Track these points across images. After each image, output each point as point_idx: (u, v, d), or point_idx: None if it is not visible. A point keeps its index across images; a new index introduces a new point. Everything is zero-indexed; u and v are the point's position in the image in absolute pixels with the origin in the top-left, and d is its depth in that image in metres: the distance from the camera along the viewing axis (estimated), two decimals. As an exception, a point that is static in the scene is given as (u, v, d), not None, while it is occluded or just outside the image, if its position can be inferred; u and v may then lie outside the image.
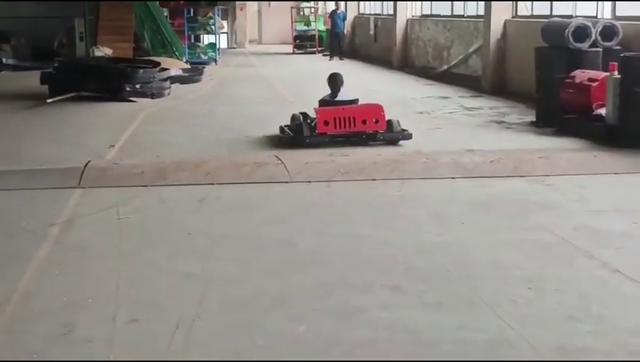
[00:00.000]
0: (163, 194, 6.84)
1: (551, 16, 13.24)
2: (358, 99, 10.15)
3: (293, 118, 9.67)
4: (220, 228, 5.75)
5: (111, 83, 14.14)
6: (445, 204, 6.39)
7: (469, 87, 15.59)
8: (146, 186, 7.11)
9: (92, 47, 22.32)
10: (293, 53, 31.37)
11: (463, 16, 17.70)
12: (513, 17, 14.59)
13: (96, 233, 5.63)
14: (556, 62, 10.34)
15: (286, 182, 7.27)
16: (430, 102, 13.67)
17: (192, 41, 26.51)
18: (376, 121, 9.37)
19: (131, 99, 13.95)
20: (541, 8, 14.07)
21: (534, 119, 10.74)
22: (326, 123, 9.22)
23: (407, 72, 20.31)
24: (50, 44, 23.83)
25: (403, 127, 9.63)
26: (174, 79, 16.56)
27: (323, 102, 9.93)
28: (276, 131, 9.90)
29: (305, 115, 9.66)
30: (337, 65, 21.46)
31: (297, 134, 9.24)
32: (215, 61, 25.10)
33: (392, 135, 9.38)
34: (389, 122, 9.47)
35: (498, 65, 14.64)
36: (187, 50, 24.91)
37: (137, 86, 14.24)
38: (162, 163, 7.97)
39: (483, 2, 15.23)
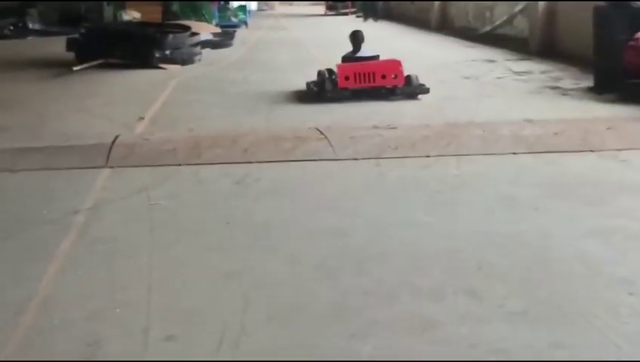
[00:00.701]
0: (198, 174, 6.23)
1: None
2: (379, 55, 10.41)
3: (319, 74, 10.07)
4: (263, 216, 5.13)
5: (139, 49, 13.55)
6: (512, 186, 5.71)
7: (515, 49, 14.78)
8: (179, 165, 6.50)
9: (120, 10, 21.76)
10: (325, 14, 30.56)
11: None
12: (564, -27, 13.69)
13: (125, 222, 5.04)
14: (618, 22, 9.50)
15: (332, 160, 6.62)
16: (476, 65, 12.90)
17: (222, 3, 25.78)
18: (395, 76, 9.73)
19: (161, 66, 13.36)
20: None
21: (592, 84, 9.96)
22: (347, 78, 9.66)
23: (447, 33, 19.48)
24: (77, 8, 23.22)
25: (451, 94, 9.04)
26: (205, 44, 15.94)
27: (345, 59, 10.39)
28: (314, 99, 9.32)
29: (330, 70, 10.01)
30: (372, 27, 20.63)
31: (320, 89, 9.75)
32: (246, 24, 24.42)
33: (411, 89, 9.75)
34: (408, 77, 9.83)
35: (547, 25, 13.82)
36: (217, 14, 24.23)
37: (167, 52, 13.62)
38: (196, 137, 7.35)
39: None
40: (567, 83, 10.60)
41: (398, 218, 5.04)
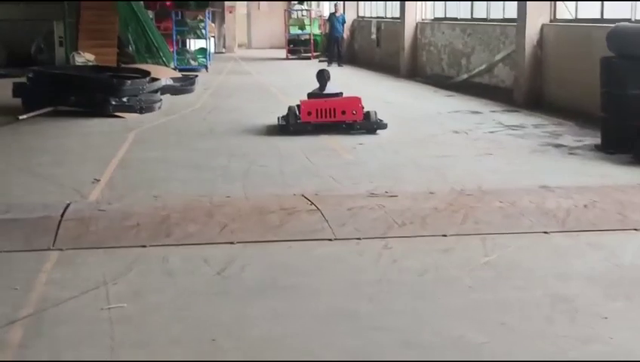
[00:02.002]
0: (168, 261, 5.04)
1: (602, 20, 11.57)
2: (342, 93, 11.26)
3: (289, 108, 10.64)
4: (259, 329, 3.97)
5: (94, 96, 12.32)
6: (560, 281, 4.64)
7: (497, 100, 13.90)
8: (144, 247, 5.30)
9: (72, 52, 20.48)
10: (287, 58, 29.61)
11: (486, 19, 15.98)
12: (552, 21, 12.88)
13: (76, 342, 3.82)
14: (630, 75, 8.61)
15: (329, 240, 5.49)
16: (460, 118, 11.94)
17: (180, 46, 24.67)
18: (355, 112, 10.38)
19: (118, 114, 12.15)
20: (586, 11, 12.39)
21: (599, 142, 9.04)
22: (309, 113, 10.36)
23: (418, 80, 18.60)
24: (27, 49, 21.92)
25: (446, 152, 8.17)
26: (165, 90, 14.76)
27: (311, 95, 11.17)
28: (301, 161, 8.29)
29: (299, 106, 10.61)
30: (337, 71, 19.69)
31: (286, 122, 10.48)
32: (206, 68, 23.30)
33: (369, 124, 10.40)
34: (367, 113, 10.49)
35: (534, 75, 12.94)
36: (175, 56, 23.11)
37: (124, 99, 12.42)
38: (162, 209, 6.17)
39: (515, 2, 13.49)
40: (569, 140, 9.67)
41: (435, 332, 3.92)
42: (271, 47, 37.11)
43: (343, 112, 10.36)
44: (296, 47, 30.34)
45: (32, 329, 3.93)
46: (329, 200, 6.44)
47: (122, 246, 5.32)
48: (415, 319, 4.07)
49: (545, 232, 5.62)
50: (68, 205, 6.28)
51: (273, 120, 11.13)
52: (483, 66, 15.21)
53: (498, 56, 14.54)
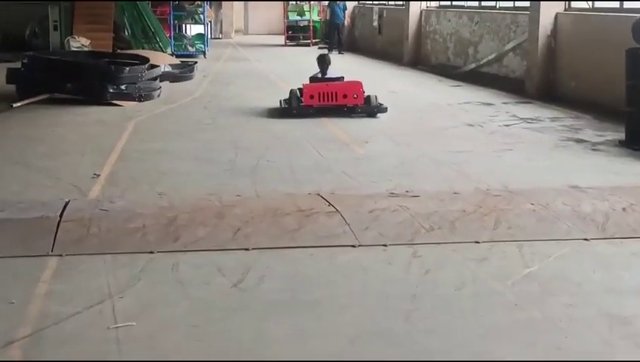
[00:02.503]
0: (178, 269, 4.60)
1: (622, 9, 11.13)
2: (343, 77, 11.44)
3: (291, 92, 10.89)
4: (282, 350, 3.54)
5: (91, 83, 11.86)
6: (613, 298, 4.22)
7: (507, 90, 13.47)
8: (152, 253, 4.86)
9: (67, 37, 19.94)
10: (286, 45, 29.11)
11: (495, 7, 15.51)
12: (566, 10, 12.44)
13: (81, 366, 3.39)
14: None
15: (353, 246, 5.06)
16: (472, 109, 11.51)
17: (177, 31, 24.13)
18: (356, 96, 10.61)
19: (115, 102, 11.67)
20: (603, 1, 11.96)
21: (622, 138, 8.63)
22: (311, 97, 10.58)
23: (422, 69, 18.16)
24: (21, 33, 21.36)
25: (464, 147, 7.93)
26: (163, 77, 14.27)
27: (312, 79, 11.40)
28: (310, 155, 7.86)
29: (301, 90, 10.86)
30: (338, 59, 19.19)
31: (289, 106, 10.70)
32: (204, 54, 22.78)
33: (370, 108, 10.64)
34: (368, 97, 10.72)
35: (547, 66, 12.50)
36: (173, 42, 22.59)
37: (122, 87, 11.94)
38: (169, 209, 5.72)
39: (527, -8, 13.05)
40: (590, 134, 9.24)
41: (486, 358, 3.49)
42: (268, 33, 36.58)
43: (345, 96, 10.61)
44: (295, 34, 29.84)
45: (32, 352, 3.49)
46: (348, 201, 6.00)
47: (127, 252, 4.87)
48: (460, 341, 3.64)
49: (585, 239, 5.19)
50: (67, 203, 5.82)
51: (275, 108, 10.69)
52: (492, 56, 14.75)
53: (508, 46, 14.09)
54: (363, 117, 10.49)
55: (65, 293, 4.20)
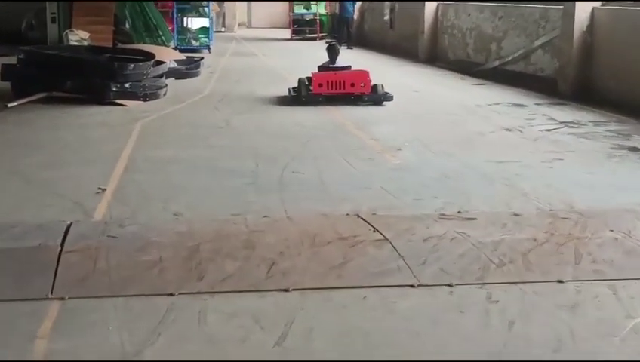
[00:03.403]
0: (206, 320, 3.75)
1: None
2: (350, 66, 11.82)
3: (299, 81, 11.28)
4: None
5: (92, 81, 10.98)
6: None
7: (535, 90, 12.63)
8: (172, 295, 4.01)
9: (66, 30, 19.06)
10: (292, 39, 28.23)
11: (522, 1, 14.62)
12: (603, 4, 11.58)
13: None
14: None
15: (412, 286, 4.21)
16: (505, 111, 10.67)
17: (180, 24, 23.23)
18: (363, 85, 11.00)
19: (119, 102, 10.82)
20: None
21: (682, 146, 7.81)
22: (320, 85, 10.96)
23: (440, 66, 17.29)
24: (16, 26, 20.49)
25: (509, 156, 7.03)
26: (169, 73, 13.42)
27: (321, 68, 11.75)
28: (340, 165, 7.02)
29: (309, 79, 11.27)
30: (348, 55, 18.32)
31: (298, 93, 11.11)
32: (208, 48, 21.92)
33: (376, 96, 11.02)
34: (374, 86, 11.10)
35: (582, 64, 11.65)
36: (176, 36, 21.72)
37: (126, 85, 11.08)
38: (189, 236, 4.87)
39: (560, -16, 12.18)
40: (642, 141, 8.43)
41: None
42: (271, 27, 35.69)
43: (352, 84, 10.98)
44: (301, 28, 28.96)
45: None
46: (395, 225, 5.15)
47: (143, 295, 4.03)
48: None
49: (691, 279, 4.36)
50: (69, 227, 4.99)
51: (293, 112, 9.87)
52: (518, 53, 13.88)
53: (538, 42, 13.21)
54: (381, 116, 9.71)
55: (68, 355, 3.35)
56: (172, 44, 21.39)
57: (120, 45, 18.19)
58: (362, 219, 5.34)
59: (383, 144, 8.20)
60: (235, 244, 4.74)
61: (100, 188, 6.14)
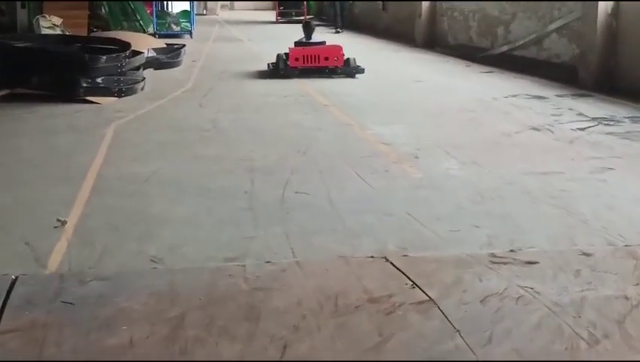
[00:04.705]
0: None
1: None
2: (325, 42, 12.84)
3: (278, 56, 12.26)
4: None
5: (61, 76, 9.71)
6: None
7: (552, 79, 11.52)
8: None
9: (37, 16, 17.71)
10: (277, 22, 26.94)
11: (533, -19, 13.43)
12: (630, -15, 10.44)
13: None
14: None
15: (481, 381, 3.06)
16: (525, 105, 9.51)
17: (160, 8, 21.91)
18: (336, 59, 11.94)
19: (90, 99, 9.58)
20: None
21: None
22: (296, 59, 11.94)
23: (440, 51, 16.11)
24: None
25: (549, 168, 5.96)
26: (147, 63, 12.17)
27: (298, 43, 12.71)
28: (351, 181, 5.80)
29: (287, 54, 12.15)
30: (339, 39, 17.12)
31: (276, 67, 12.15)
32: (190, 33, 20.62)
33: (349, 69, 11.96)
34: (347, 60, 12.03)
35: (606, 51, 10.51)
36: (155, 20, 20.41)
37: (99, 79, 9.82)
38: (169, 298, 3.68)
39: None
40: (696, 143, 7.29)
41: None
42: (255, 9, 34.41)
43: (326, 58, 11.93)
44: (287, 10, 27.66)
45: None
46: (437, 275, 3.99)
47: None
48: None
49: None
50: (12, 285, 3.80)
51: (287, 104, 8.67)
52: (531, 37, 12.71)
53: (553, 25, 12.05)
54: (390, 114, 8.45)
55: None
56: (151, 29, 20.11)
57: (94, 33, 16.90)
58: (393, 264, 4.18)
59: (396, 150, 7.02)
60: (232, 313, 3.55)
61: (59, 221, 4.92)
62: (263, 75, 12.42)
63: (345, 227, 4.89)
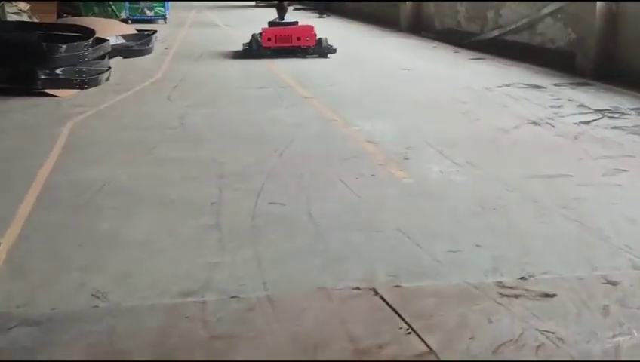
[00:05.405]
0: None
1: None
2: (297, 22, 12.86)
3: (252, 36, 12.46)
4: None
5: (16, 66, 8.92)
6: None
7: (547, 65, 10.83)
8: None
9: (2, 1, 16.82)
10: (257, 6, 26.11)
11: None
12: (631, -35, 9.74)
13: None
14: None
15: None
16: (521, 96, 8.82)
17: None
18: (308, 39, 12.06)
19: (49, 92, 8.80)
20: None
21: None
22: (269, 39, 12.11)
23: (427, 36, 15.40)
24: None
25: (555, 170, 5.16)
26: (115, 51, 11.38)
27: (271, 24, 12.66)
28: (334, 188, 5.07)
29: (261, 34, 12.27)
30: (322, 24, 16.38)
31: (249, 48, 12.40)
32: (164, 18, 19.78)
33: (321, 49, 12.12)
34: (319, 40, 12.17)
35: (606, 36, 9.82)
36: (128, 5, 19.56)
37: (58, 70, 9.03)
38: (108, 351, 2.97)
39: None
40: None
41: None
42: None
43: (298, 38, 12.08)
44: (267, -7, 26.82)
45: None
46: (437, 315, 3.30)
47: None
48: None
49: None
50: None
51: (266, 95, 7.93)
52: (523, 21, 12.00)
53: (546, 9, 11.35)
54: (377, 104, 7.74)
55: None
56: (124, 13, 19.26)
57: (63, 18, 16.06)
58: (383, 299, 3.49)
59: (384, 149, 6.31)
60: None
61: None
62: (240, 63, 11.79)
63: (326, 248, 4.17)
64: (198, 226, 4.51)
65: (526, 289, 3.58)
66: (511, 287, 3.61)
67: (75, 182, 5.41)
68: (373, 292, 3.57)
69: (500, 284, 3.65)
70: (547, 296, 3.52)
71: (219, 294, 3.57)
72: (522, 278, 3.72)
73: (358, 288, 3.63)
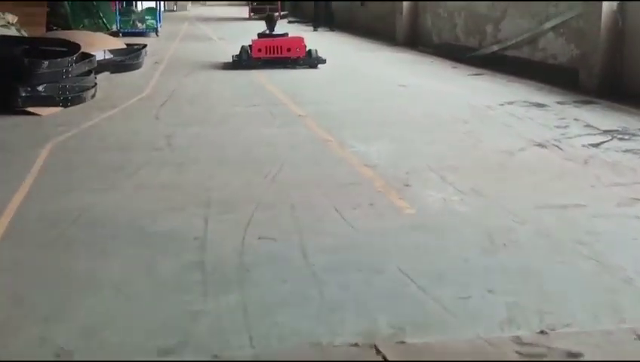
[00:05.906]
0: None
1: None
2: (287, 33, 13.00)
3: (242, 48, 12.52)
4: None
5: (-4, 83, 8.51)
6: None
7: (548, 82, 10.46)
8: None
9: (-12, 13, 16.41)
10: (250, 18, 25.76)
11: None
12: (638, -21, 9.38)
13: None
14: None
15: None
16: (524, 115, 8.43)
17: (124, 4, 20.64)
18: (298, 50, 12.25)
19: (30, 110, 8.39)
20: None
21: None
22: (259, 50, 12.29)
23: (423, 51, 15.03)
24: None
25: (566, 200, 4.74)
26: (102, 66, 10.98)
27: (261, 35, 12.93)
28: (332, 222, 4.64)
29: (251, 46, 12.48)
30: (314, 37, 16.01)
31: (239, 59, 12.46)
32: (156, 31, 19.40)
33: (311, 60, 12.29)
34: (309, 51, 12.34)
35: (612, 52, 9.46)
36: (119, 17, 19.18)
37: (40, 88, 8.62)
38: None
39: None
40: None
41: None
42: (229, 3, 33.17)
43: (288, 49, 12.21)
44: (261, 6, 26.48)
45: None
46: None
47: None
48: None
49: None
50: None
51: (257, 114, 7.52)
52: (524, 36, 11.63)
53: (549, 24, 10.97)
54: (372, 128, 7.33)
55: None
56: (115, 27, 18.88)
57: (52, 32, 15.67)
58: (385, 360, 3.06)
59: (382, 175, 5.89)
60: None
61: (-55, 288, 3.74)
62: (231, 76, 11.57)
63: (320, 293, 3.75)
64: (180, 266, 4.09)
65: (548, 347, 3.16)
66: (530, 344, 3.20)
67: (48, 213, 4.99)
68: (374, 351, 3.15)
69: (518, 340, 3.23)
70: (572, 355, 3.10)
71: (198, 352, 3.14)
72: (542, 332, 3.31)
73: (356, 344, 3.21)
